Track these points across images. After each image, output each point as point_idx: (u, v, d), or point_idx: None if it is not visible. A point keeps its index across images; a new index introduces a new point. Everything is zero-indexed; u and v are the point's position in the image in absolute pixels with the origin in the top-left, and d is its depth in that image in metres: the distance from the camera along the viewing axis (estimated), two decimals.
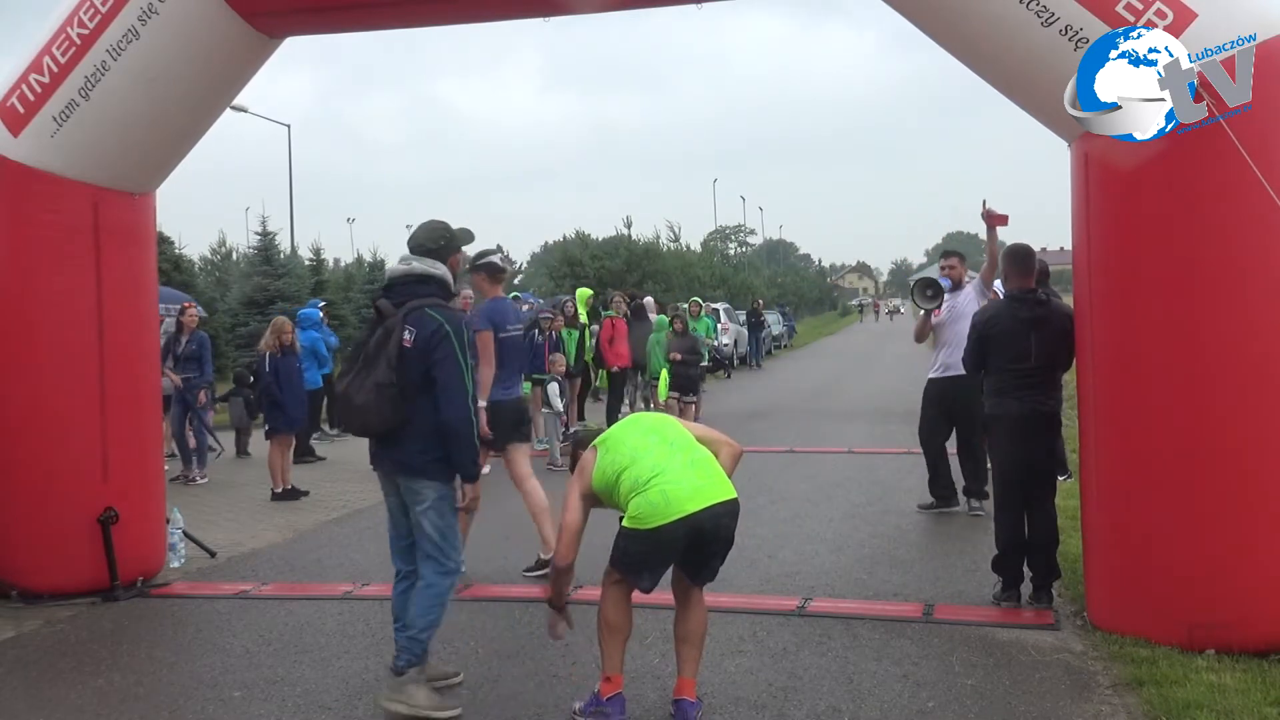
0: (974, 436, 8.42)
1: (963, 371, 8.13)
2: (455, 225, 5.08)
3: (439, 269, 4.84)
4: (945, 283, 8.64)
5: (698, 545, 4.35)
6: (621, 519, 4.39)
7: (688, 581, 4.52)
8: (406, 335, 4.63)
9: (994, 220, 7.58)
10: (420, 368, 4.63)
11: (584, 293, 17.17)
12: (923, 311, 8.60)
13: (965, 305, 8.35)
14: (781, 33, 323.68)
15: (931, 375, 8.70)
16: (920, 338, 8.92)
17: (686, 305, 20.49)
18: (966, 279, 8.76)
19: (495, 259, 7.11)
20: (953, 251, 9.10)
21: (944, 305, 8.49)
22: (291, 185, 42.82)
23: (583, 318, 15.83)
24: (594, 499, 4.53)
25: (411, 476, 4.73)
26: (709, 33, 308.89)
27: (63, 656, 5.61)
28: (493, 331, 6.90)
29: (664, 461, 4.36)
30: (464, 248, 5.12)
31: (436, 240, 4.91)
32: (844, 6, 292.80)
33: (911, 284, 8.92)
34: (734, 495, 4.39)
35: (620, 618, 4.48)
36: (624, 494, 4.36)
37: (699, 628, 4.51)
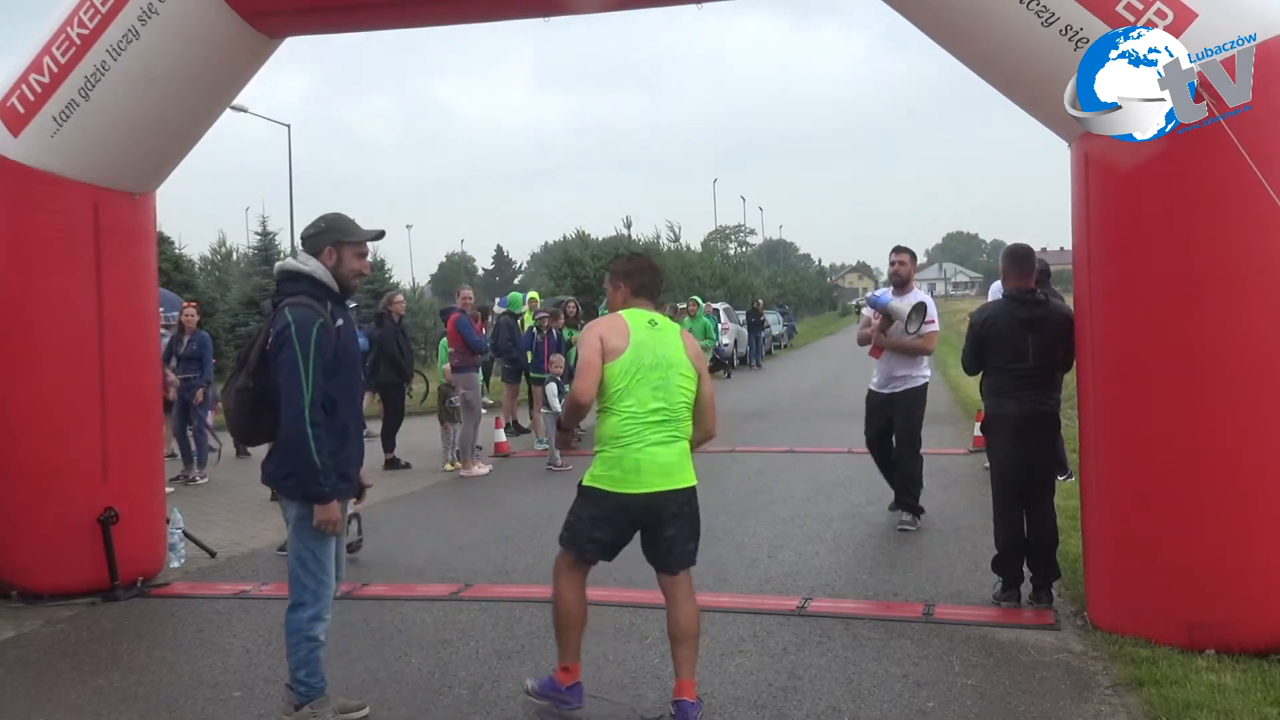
0: (908, 449, 8.25)
1: (896, 389, 8.21)
2: (377, 226, 4.64)
3: (309, 265, 4.50)
4: (884, 298, 8.26)
5: (652, 525, 4.45)
6: (581, 481, 4.50)
7: (661, 572, 4.55)
8: (270, 336, 4.42)
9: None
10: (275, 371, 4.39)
11: (533, 295, 17.19)
12: (907, 329, 8.05)
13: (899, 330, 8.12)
14: (781, 32, 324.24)
15: (871, 387, 8.55)
16: (863, 343, 8.72)
17: (685, 304, 20.44)
18: (914, 282, 8.55)
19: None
20: (903, 248, 8.63)
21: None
22: (291, 185, 42.81)
23: (528, 320, 15.17)
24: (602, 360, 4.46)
25: (277, 491, 4.60)
26: (708, 33, 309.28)
27: (63, 656, 5.61)
28: None
29: (653, 431, 4.40)
30: (349, 240, 4.54)
31: (307, 233, 4.60)
32: (843, 6, 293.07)
33: (906, 313, 8.10)
34: (694, 483, 4.50)
35: (576, 607, 4.52)
36: (609, 429, 4.42)
37: (690, 625, 4.48)
